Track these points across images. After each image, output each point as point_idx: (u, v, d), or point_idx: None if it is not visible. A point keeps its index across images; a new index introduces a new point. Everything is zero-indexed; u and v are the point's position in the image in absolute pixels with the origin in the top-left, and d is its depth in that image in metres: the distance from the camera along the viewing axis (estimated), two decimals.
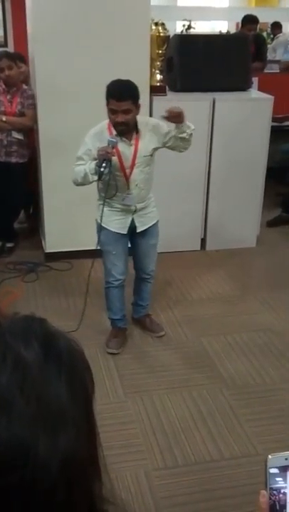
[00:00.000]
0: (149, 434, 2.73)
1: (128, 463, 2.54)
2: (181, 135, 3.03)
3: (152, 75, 4.27)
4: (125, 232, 3.17)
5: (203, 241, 4.70)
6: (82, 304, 3.53)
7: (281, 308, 3.86)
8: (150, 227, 3.22)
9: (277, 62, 6.89)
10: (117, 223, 3.14)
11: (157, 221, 3.25)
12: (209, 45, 4.51)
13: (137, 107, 2.94)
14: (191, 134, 3.06)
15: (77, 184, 3.05)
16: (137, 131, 3.01)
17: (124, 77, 3.87)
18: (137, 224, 3.16)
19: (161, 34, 4.28)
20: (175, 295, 4.00)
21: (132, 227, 3.17)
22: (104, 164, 2.85)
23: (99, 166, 2.87)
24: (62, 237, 4.33)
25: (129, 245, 3.27)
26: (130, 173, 3.03)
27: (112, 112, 2.91)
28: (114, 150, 2.90)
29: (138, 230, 3.18)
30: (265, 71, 6.50)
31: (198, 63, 4.40)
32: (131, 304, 3.54)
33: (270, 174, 4.81)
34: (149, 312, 3.57)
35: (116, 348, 3.34)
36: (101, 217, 3.08)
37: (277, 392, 3.04)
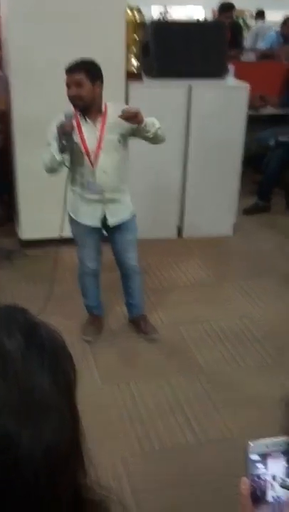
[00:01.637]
0: (125, 421, 2.74)
1: (105, 449, 2.54)
2: (146, 134, 2.93)
3: (128, 60, 4.23)
4: (97, 226, 3.07)
5: (179, 229, 4.71)
6: (58, 291, 3.51)
7: (257, 296, 3.89)
8: (125, 222, 3.10)
9: (254, 50, 6.90)
10: (86, 215, 3.05)
11: (133, 216, 3.13)
12: (186, 32, 4.48)
13: (95, 84, 2.84)
14: (158, 132, 2.95)
15: (48, 170, 2.95)
16: (102, 113, 2.92)
17: (100, 63, 3.83)
18: (107, 217, 3.04)
19: (137, 20, 4.24)
20: (152, 283, 4.00)
21: (105, 221, 3.07)
22: (63, 141, 2.79)
23: (59, 140, 2.80)
24: (37, 224, 4.28)
25: (106, 234, 3.20)
26: (96, 157, 2.92)
27: (67, 87, 2.85)
28: (72, 123, 2.82)
29: (109, 223, 3.06)
30: (242, 59, 6.50)
31: (174, 50, 4.37)
32: (124, 305, 3.46)
33: (246, 162, 4.83)
34: (144, 313, 3.45)
35: (92, 335, 3.33)
36: (64, 205, 3.01)
37: (253, 378, 3.07)
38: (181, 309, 3.70)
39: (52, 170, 2.95)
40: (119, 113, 2.88)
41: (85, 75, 2.82)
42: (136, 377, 3.05)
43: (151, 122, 2.92)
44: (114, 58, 3.94)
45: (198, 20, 5.93)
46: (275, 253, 4.51)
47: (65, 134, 2.79)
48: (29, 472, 0.56)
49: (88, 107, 2.88)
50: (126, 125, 2.91)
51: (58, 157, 2.86)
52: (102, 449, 2.53)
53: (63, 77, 3.89)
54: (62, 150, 2.83)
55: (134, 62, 4.31)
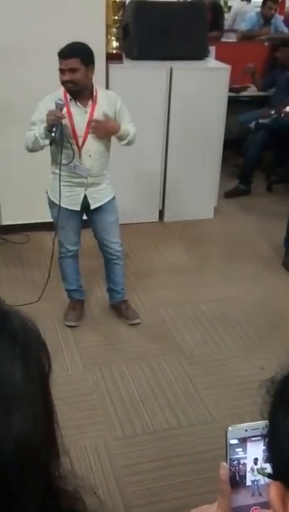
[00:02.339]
0: (108, 405, 2.75)
1: (87, 434, 2.56)
2: (121, 142, 3.01)
3: (108, 41, 4.17)
4: (78, 209, 3.08)
5: (161, 212, 4.70)
6: (39, 277, 3.50)
7: (238, 279, 3.92)
8: (105, 204, 3.11)
9: (235, 31, 6.84)
10: (68, 199, 3.04)
11: (112, 198, 3.14)
12: (166, 12, 4.43)
13: (88, 68, 2.84)
14: (132, 139, 3.02)
15: (29, 150, 2.95)
16: (93, 98, 2.93)
17: None
18: (90, 201, 3.06)
19: (117, 0, 4.17)
20: (133, 266, 4.00)
21: (86, 205, 3.07)
22: (54, 129, 2.77)
23: (49, 130, 2.78)
24: (18, 209, 4.24)
25: (85, 217, 3.20)
26: (83, 141, 2.94)
27: (60, 72, 2.83)
28: (63, 113, 2.82)
29: (92, 207, 3.08)
30: (223, 40, 6.45)
31: (154, 31, 4.32)
32: (106, 291, 3.47)
33: (227, 145, 4.82)
34: (126, 298, 3.46)
35: (74, 320, 3.33)
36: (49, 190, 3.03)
37: (234, 360, 3.10)
38: (163, 293, 3.71)
39: (33, 151, 2.96)
40: (111, 98, 2.95)
41: (79, 60, 2.81)
42: (118, 361, 3.06)
43: (126, 131, 2.98)
44: (94, 39, 3.85)
45: (178, 1, 5.84)
46: (256, 236, 4.54)
47: (56, 124, 2.78)
48: None
49: (80, 91, 2.88)
50: (113, 109, 2.95)
51: (42, 142, 2.86)
52: (84, 433, 2.54)
53: (42, 59, 3.84)
54: (51, 142, 2.82)
55: (115, 43, 4.25)
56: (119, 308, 3.43)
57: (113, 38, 4.24)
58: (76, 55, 2.81)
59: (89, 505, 0.70)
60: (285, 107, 4.96)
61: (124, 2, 4.29)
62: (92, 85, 2.93)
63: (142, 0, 4.46)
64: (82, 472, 2.30)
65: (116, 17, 4.20)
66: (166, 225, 4.65)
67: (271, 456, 0.62)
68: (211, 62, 4.72)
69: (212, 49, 4.99)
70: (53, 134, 2.77)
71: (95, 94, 2.93)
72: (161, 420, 2.68)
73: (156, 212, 4.68)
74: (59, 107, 2.81)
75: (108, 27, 4.12)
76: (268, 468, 0.63)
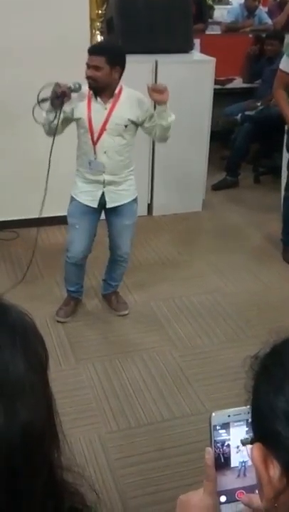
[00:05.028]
0: (101, 399, 2.77)
1: (81, 427, 2.57)
2: (161, 121, 2.92)
3: (93, 36, 4.16)
4: (95, 206, 3.06)
5: (149, 206, 4.71)
6: (29, 273, 3.51)
7: (228, 271, 3.94)
8: (123, 205, 3.10)
9: (219, 23, 6.84)
10: (86, 195, 3.06)
11: (132, 201, 3.13)
12: (150, 5, 4.42)
13: (114, 69, 2.86)
14: (170, 127, 2.96)
15: (47, 132, 2.97)
16: (114, 96, 2.92)
17: (63, 39, 3.77)
18: (106, 199, 3.05)
19: None
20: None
21: (103, 203, 3.07)
22: (56, 97, 2.82)
23: (51, 97, 2.83)
24: (6, 205, 4.23)
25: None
26: (98, 137, 2.93)
27: (87, 66, 2.87)
28: (68, 91, 2.85)
29: (108, 206, 3.06)
30: (207, 32, 6.45)
31: (139, 24, 4.31)
32: (102, 280, 3.47)
33: (214, 138, 4.83)
34: (118, 290, 3.47)
35: (64, 316, 3.32)
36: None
37: (225, 351, 3.13)
38: (153, 286, 3.72)
39: (51, 133, 2.96)
40: (134, 99, 2.93)
41: (105, 59, 2.82)
42: (110, 355, 3.07)
43: (169, 112, 2.93)
44: (78, 34, 3.87)
45: None
46: (245, 228, 4.56)
47: (58, 97, 2.82)
48: (4, 451, 0.56)
49: (102, 89, 2.90)
50: (139, 112, 2.94)
51: (49, 117, 2.89)
52: (78, 427, 2.56)
53: (26, 56, 3.83)
54: (39, 101, 2.85)
55: (99, 37, 4.24)
56: (110, 299, 3.46)
57: (97, 32, 4.23)
58: (102, 53, 2.84)
59: (87, 498, 0.72)
60: (271, 100, 4.98)
61: None
62: (117, 85, 2.93)
63: None
64: (77, 466, 2.32)
65: (100, 11, 4.19)
66: (155, 219, 4.66)
67: (253, 422, 0.65)
68: (196, 55, 4.72)
69: (196, 41, 5.00)
70: (54, 100, 2.81)
71: (117, 93, 2.92)
72: (154, 412, 2.70)
73: (144, 207, 4.68)
74: (73, 85, 2.86)
75: (92, 21, 4.11)
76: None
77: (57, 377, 2.80)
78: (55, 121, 2.90)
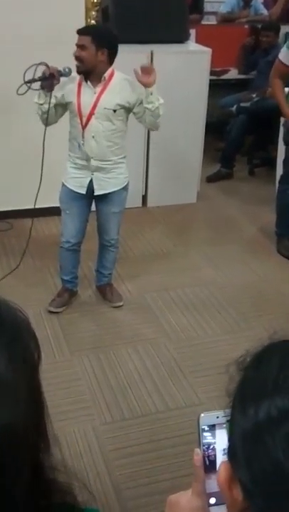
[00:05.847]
0: (95, 390, 2.77)
1: (75, 419, 2.57)
2: (147, 105, 2.91)
3: (87, 25, 4.11)
4: (83, 192, 3.06)
5: (144, 197, 4.70)
6: (23, 264, 3.49)
7: (222, 263, 3.94)
8: (112, 193, 3.09)
9: (215, 13, 6.80)
10: (75, 181, 3.06)
11: (122, 189, 3.12)
12: None
13: (100, 50, 2.86)
14: (158, 110, 2.93)
15: (42, 120, 2.98)
16: (104, 80, 2.91)
17: (57, 28, 3.73)
18: (94, 186, 3.05)
19: None
20: (118, 252, 3.99)
21: (92, 189, 3.06)
22: (44, 76, 2.84)
23: (41, 78, 2.85)
24: (0, 196, 4.20)
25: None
26: (87, 122, 2.94)
27: (76, 46, 2.89)
28: (57, 74, 2.86)
29: (96, 193, 3.07)
30: (203, 23, 6.40)
31: (134, 14, 4.28)
32: (95, 271, 3.47)
33: (209, 129, 4.81)
34: (111, 282, 3.46)
35: (56, 306, 3.30)
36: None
37: (219, 343, 3.13)
38: (147, 278, 3.72)
39: (45, 120, 2.96)
40: (125, 84, 2.92)
41: (91, 39, 2.84)
42: (104, 346, 3.07)
43: (156, 95, 2.92)
44: (73, 23, 3.80)
45: None
46: (240, 220, 4.56)
47: (47, 78, 2.84)
48: None
49: (88, 71, 2.90)
50: (129, 96, 2.93)
51: (39, 100, 2.91)
52: (73, 419, 2.56)
53: (19, 46, 3.79)
54: (28, 82, 2.86)
55: None
56: (104, 291, 3.45)
57: (92, 21, 4.19)
58: (88, 33, 2.87)
59: (80, 497, 0.71)
60: (266, 91, 4.96)
61: None
62: (107, 70, 2.92)
63: None
64: (71, 457, 2.32)
65: (95, 0, 4.14)
66: (150, 210, 4.65)
67: (228, 436, 0.63)
68: (192, 45, 4.69)
69: (192, 32, 4.97)
70: (42, 81, 2.84)
71: (107, 77, 2.92)
72: (148, 404, 2.70)
73: (139, 198, 4.67)
74: (62, 68, 2.88)
75: (87, 10, 4.07)
76: None
77: (50, 368, 2.80)
78: (46, 105, 2.89)
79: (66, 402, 2.64)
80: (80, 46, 2.85)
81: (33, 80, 2.86)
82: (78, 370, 2.90)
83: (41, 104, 2.92)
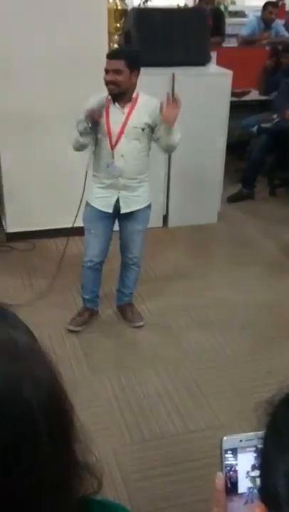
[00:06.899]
0: (115, 411, 2.75)
1: (95, 440, 2.52)
2: (166, 140, 2.99)
3: (110, 48, 4.19)
4: (109, 211, 3.09)
5: (165, 218, 4.71)
6: (45, 284, 3.51)
7: (243, 283, 3.92)
8: (137, 211, 3.13)
9: (235, 36, 6.87)
10: (101, 200, 3.09)
11: (146, 207, 3.16)
12: (167, 18, 4.45)
13: (133, 72, 2.91)
14: (175, 142, 3.02)
15: (74, 149, 3.05)
16: (132, 101, 2.97)
17: (81, 52, 3.80)
18: (121, 204, 3.08)
19: (119, 7, 4.20)
20: (140, 272, 4.00)
21: (118, 208, 3.09)
22: (89, 125, 2.90)
23: (86, 123, 2.90)
24: (23, 216, 4.26)
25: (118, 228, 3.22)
26: (116, 141, 2.97)
27: (105, 72, 2.92)
28: (101, 112, 2.92)
29: (122, 211, 3.09)
30: (224, 45, 6.47)
31: (156, 37, 4.34)
32: (116, 290, 3.48)
33: (230, 150, 4.83)
34: (132, 302, 3.48)
35: (75, 325, 3.31)
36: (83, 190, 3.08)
37: (239, 365, 3.10)
38: (168, 298, 3.71)
39: (77, 149, 3.04)
40: (152, 105, 2.96)
41: (124, 62, 2.88)
42: (124, 367, 3.06)
43: (176, 131, 2.98)
44: (96, 46, 3.90)
45: (179, 7, 5.88)
46: (261, 240, 4.54)
47: (93, 121, 2.89)
48: (30, 420, 0.61)
49: (122, 94, 2.94)
50: (155, 117, 2.97)
51: (82, 141, 2.97)
52: (92, 439, 2.54)
53: (42, 70, 3.86)
54: (84, 132, 2.92)
55: None
56: (124, 311, 3.45)
57: (115, 45, 4.27)
58: (122, 57, 2.90)
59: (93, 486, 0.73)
60: (287, 112, 4.97)
61: (126, 9, 4.32)
62: (134, 90, 2.98)
63: (143, 7, 4.49)
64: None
65: (118, 24, 4.23)
66: (171, 230, 4.66)
67: (261, 478, 0.62)
68: (213, 67, 4.73)
69: (213, 54, 5.01)
70: (88, 125, 2.89)
71: (135, 97, 2.98)
72: (168, 425, 2.68)
73: (160, 218, 4.69)
74: (99, 105, 2.94)
75: (110, 34, 4.16)
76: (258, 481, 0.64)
77: (71, 388, 2.79)
78: (86, 141, 2.97)
79: (85, 423, 2.61)
80: (116, 71, 2.88)
81: (87, 133, 2.93)
82: (98, 390, 2.89)
83: (84, 142, 2.99)
